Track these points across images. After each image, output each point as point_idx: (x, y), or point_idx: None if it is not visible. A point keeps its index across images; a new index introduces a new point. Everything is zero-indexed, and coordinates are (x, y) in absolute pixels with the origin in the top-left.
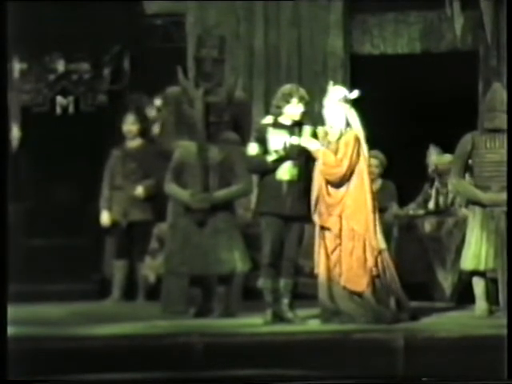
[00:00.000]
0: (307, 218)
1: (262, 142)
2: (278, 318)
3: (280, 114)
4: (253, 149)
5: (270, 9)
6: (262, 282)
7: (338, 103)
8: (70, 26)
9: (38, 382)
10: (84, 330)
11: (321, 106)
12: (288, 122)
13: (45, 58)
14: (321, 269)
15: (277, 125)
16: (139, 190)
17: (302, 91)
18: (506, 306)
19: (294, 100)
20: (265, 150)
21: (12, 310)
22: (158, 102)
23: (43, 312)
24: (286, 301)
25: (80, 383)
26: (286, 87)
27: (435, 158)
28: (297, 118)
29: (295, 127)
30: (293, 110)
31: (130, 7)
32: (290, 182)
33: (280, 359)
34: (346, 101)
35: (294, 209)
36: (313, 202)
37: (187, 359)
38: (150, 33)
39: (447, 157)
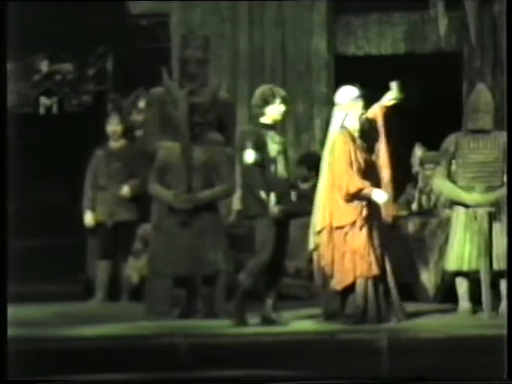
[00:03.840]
0: (294, 217)
1: (259, 148)
2: (263, 318)
3: (261, 114)
4: (250, 156)
5: (254, 9)
6: (246, 283)
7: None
8: (54, 27)
9: (32, 383)
10: (68, 331)
11: (304, 106)
12: (269, 122)
13: (29, 59)
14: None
15: (259, 125)
16: (125, 190)
17: (281, 91)
18: (506, 306)
19: (276, 100)
20: (262, 156)
21: None
22: (142, 102)
23: (27, 313)
24: (270, 302)
25: (65, 383)
26: (265, 88)
27: (420, 153)
28: (279, 117)
29: (277, 127)
30: (274, 110)
31: (115, 7)
32: (278, 182)
33: (264, 360)
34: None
35: (283, 209)
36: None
37: (171, 360)
38: (135, 33)
39: (432, 153)
